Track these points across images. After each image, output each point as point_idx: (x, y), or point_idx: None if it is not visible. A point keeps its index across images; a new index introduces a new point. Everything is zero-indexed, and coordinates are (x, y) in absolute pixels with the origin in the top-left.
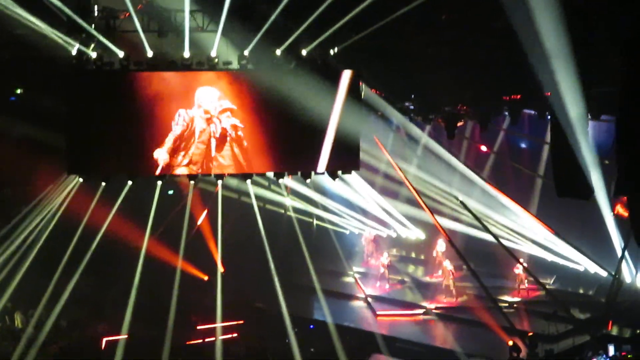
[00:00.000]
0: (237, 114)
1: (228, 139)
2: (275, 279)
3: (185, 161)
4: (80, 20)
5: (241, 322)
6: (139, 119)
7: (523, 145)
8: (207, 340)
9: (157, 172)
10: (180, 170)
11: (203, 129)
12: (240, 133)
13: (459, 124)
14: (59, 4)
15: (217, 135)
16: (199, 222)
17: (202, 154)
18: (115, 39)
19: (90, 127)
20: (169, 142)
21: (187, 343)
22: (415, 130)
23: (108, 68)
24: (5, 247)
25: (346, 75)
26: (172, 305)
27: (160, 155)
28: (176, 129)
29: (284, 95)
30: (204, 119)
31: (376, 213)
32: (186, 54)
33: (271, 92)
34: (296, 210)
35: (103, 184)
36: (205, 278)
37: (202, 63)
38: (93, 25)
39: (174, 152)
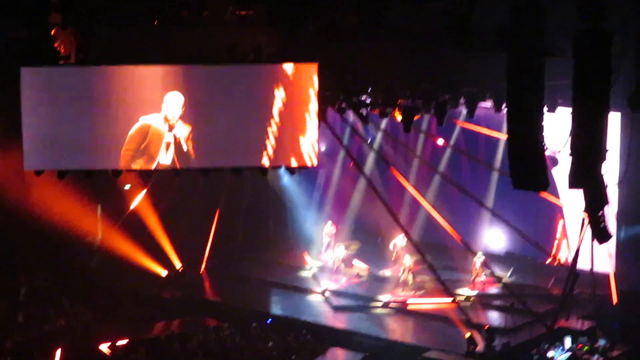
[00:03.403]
0: (190, 114)
1: (181, 145)
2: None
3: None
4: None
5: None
6: (97, 116)
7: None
8: (165, 334)
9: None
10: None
11: (159, 135)
12: (190, 141)
13: (416, 117)
14: None
15: (171, 142)
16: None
17: (153, 159)
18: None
19: (48, 122)
20: (125, 144)
21: (146, 337)
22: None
23: (63, 62)
24: None
25: (305, 68)
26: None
27: (119, 155)
28: (134, 133)
29: (240, 91)
30: (161, 125)
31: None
32: None
33: (228, 87)
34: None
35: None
36: (165, 273)
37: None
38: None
39: (130, 155)
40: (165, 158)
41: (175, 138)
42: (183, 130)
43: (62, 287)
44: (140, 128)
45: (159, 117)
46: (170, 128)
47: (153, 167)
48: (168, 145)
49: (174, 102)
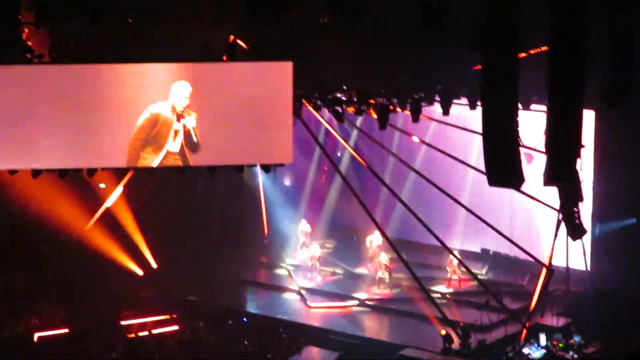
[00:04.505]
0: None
1: (190, 134)
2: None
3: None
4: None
5: (174, 315)
6: (71, 114)
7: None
8: (140, 334)
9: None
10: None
11: (168, 123)
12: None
13: (391, 114)
14: None
15: (180, 130)
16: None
17: (161, 147)
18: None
19: (21, 121)
20: (135, 134)
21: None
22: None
23: (37, 60)
24: None
25: (280, 66)
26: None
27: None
28: (143, 122)
29: (213, 89)
30: (169, 115)
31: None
32: None
33: (202, 85)
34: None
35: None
36: (141, 272)
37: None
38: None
39: (140, 144)
40: (173, 146)
41: (184, 127)
42: (190, 120)
43: (38, 286)
44: (151, 117)
45: (167, 105)
46: (179, 117)
47: (162, 154)
48: (176, 133)
49: (182, 91)
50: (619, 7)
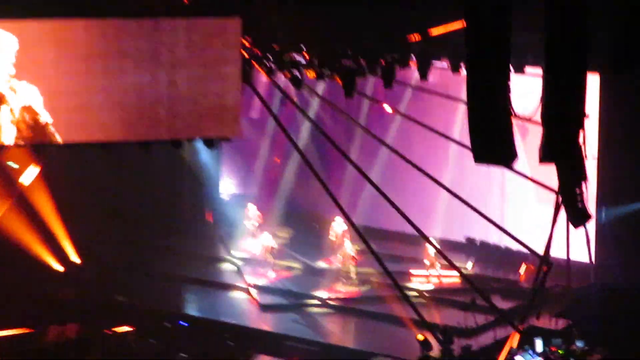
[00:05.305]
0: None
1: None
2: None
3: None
4: None
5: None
6: None
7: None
8: (60, 341)
9: None
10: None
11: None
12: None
13: (359, 79)
14: None
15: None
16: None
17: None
18: None
19: None
20: None
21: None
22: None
23: None
24: None
25: (226, 23)
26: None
27: None
28: None
29: (148, 50)
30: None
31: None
32: None
33: (135, 45)
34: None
35: None
36: (61, 269)
37: None
38: None
39: None
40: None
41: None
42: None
43: None
44: None
45: None
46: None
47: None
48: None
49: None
50: None
